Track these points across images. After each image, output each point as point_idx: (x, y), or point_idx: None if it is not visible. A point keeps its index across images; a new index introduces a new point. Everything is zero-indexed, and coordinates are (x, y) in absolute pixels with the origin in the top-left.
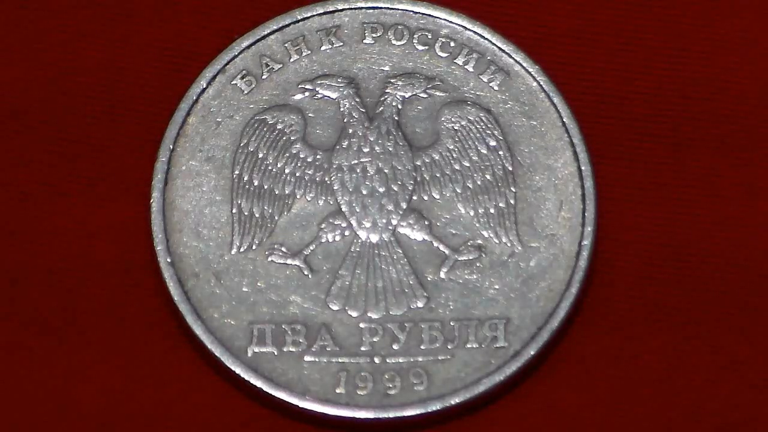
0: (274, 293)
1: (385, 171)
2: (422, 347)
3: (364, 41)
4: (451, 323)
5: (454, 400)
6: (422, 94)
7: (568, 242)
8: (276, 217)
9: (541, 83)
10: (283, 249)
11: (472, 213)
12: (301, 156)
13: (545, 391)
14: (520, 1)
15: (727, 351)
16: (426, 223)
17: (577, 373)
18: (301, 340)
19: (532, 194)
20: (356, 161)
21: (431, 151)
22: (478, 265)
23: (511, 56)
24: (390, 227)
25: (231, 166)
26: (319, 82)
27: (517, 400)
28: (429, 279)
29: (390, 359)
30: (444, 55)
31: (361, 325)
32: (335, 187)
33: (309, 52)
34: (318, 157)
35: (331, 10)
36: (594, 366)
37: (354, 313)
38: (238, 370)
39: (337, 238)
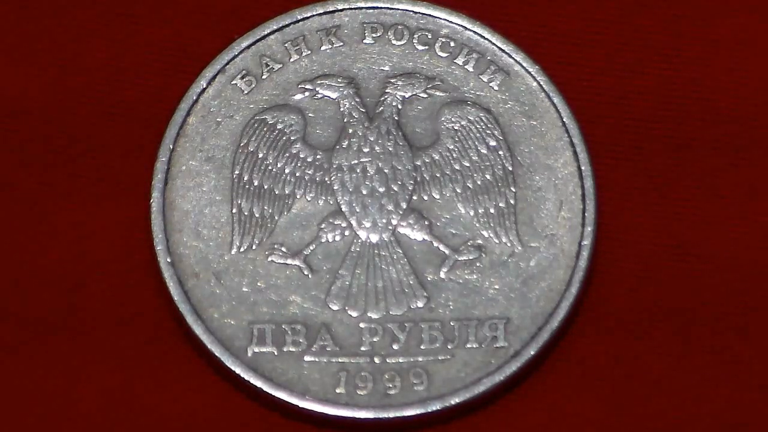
0: (274, 293)
1: (385, 171)
2: (422, 347)
3: (364, 41)
4: (451, 323)
5: (454, 400)
6: (422, 94)
7: (568, 242)
8: (276, 217)
9: (541, 83)
10: (283, 249)
11: (472, 213)
12: (301, 156)
13: (545, 391)
14: (520, 1)
15: (727, 351)
16: (426, 223)
17: (577, 373)
18: (301, 340)
19: (532, 194)
20: (356, 161)
21: (431, 151)
22: (478, 265)
23: (511, 56)
24: (390, 227)
25: (231, 166)
26: (319, 82)
27: (517, 400)
28: (429, 279)
29: (390, 359)
30: (444, 55)
31: (361, 325)
32: (335, 187)
33: (309, 52)
34: (318, 157)
35: (331, 10)
36: (594, 366)
37: (354, 313)
38: (238, 370)
39: (337, 238)
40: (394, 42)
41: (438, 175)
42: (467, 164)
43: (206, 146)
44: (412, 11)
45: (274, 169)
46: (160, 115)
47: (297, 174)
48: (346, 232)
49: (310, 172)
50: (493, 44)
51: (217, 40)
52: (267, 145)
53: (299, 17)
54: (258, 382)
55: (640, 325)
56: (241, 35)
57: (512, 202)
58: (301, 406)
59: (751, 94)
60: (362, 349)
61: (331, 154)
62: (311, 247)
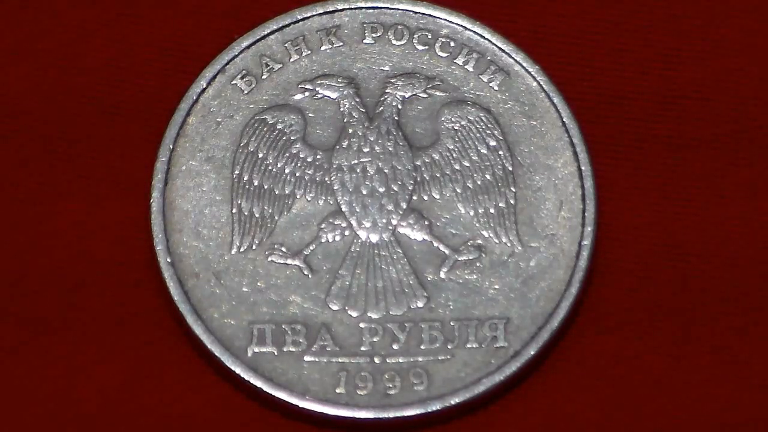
0: (274, 293)
1: (385, 171)
2: (422, 347)
3: (364, 41)
4: (451, 323)
5: (454, 400)
6: (422, 94)
7: (568, 242)
8: (276, 217)
9: (541, 83)
10: (283, 249)
11: (472, 213)
12: (301, 156)
13: (545, 391)
14: (520, 1)
15: (727, 351)
16: (426, 223)
17: (577, 373)
18: (301, 340)
19: (532, 194)
20: (356, 161)
21: (431, 151)
22: (478, 265)
23: (511, 56)
24: (390, 227)
25: (231, 166)
26: (319, 82)
27: (517, 400)
28: (429, 279)
29: (390, 359)
30: (444, 55)
31: (361, 325)
32: (335, 187)
33: (309, 52)
34: (318, 157)
35: (331, 10)
36: (594, 366)
37: (354, 313)
38: (238, 370)
39: (337, 238)
40: (394, 42)
41: (438, 175)
42: (467, 164)
43: (206, 146)
44: (412, 11)
45: (274, 169)
46: (160, 115)
47: (297, 174)
48: (346, 232)
49: (310, 172)
50: (493, 44)
51: (217, 40)
52: (267, 145)
53: (299, 17)
54: (258, 382)
55: (640, 325)
56: (241, 35)
57: (512, 202)
58: (301, 406)
59: (751, 94)
60: (362, 349)
61: (331, 154)
62: (311, 247)
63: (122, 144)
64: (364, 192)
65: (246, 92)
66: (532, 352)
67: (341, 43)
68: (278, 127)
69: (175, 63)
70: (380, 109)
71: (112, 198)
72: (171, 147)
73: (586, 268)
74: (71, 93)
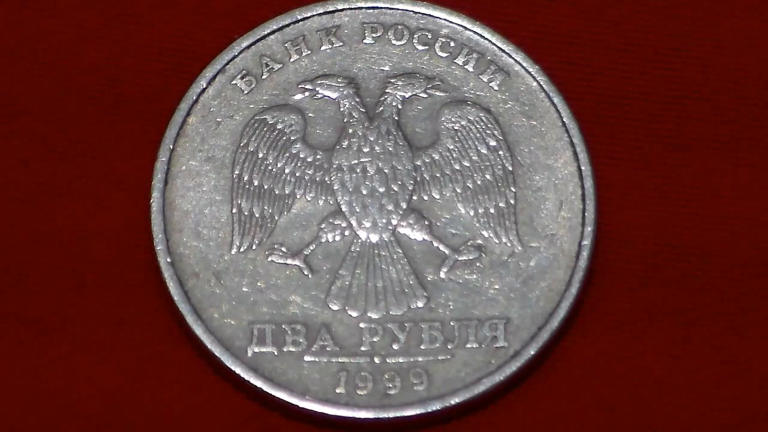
0: (274, 293)
1: (385, 171)
2: (422, 347)
3: (364, 41)
4: (451, 323)
5: (454, 400)
6: (422, 94)
7: (568, 242)
8: (276, 217)
9: (541, 83)
10: (283, 249)
11: (472, 213)
12: (301, 156)
13: (545, 391)
14: (520, 2)
15: (727, 351)
16: (426, 223)
17: (577, 373)
18: (301, 340)
19: (532, 194)
20: (356, 161)
21: (431, 151)
22: (478, 265)
23: (511, 56)
24: (390, 227)
25: (231, 166)
26: (319, 82)
27: (517, 400)
28: (429, 279)
29: (390, 359)
30: (444, 55)
31: (361, 325)
32: (335, 187)
33: (309, 52)
34: (318, 157)
35: (331, 10)
36: (594, 366)
37: (354, 313)
38: (238, 370)
39: (337, 238)
40: (394, 42)
41: (438, 175)
42: (467, 164)
43: (206, 146)
44: (412, 11)
45: (274, 169)
46: (160, 115)
47: (297, 174)
48: (346, 232)
49: (310, 172)
50: (493, 44)
51: (217, 40)
52: (267, 145)
53: (299, 17)
54: (258, 382)
55: (640, 325)
56: (241, 35)
57: (512, 202)
58: (301, 406)
59: (751, 94)
60: (362, 349)
61: (331, 154)
62: (311, 247)
63: (122, 144)
64: (364, 192)
65: (246, 92)
66: (532, 352)
67: (341, 43)
68: (278, 127)
69: (175, 63)
70: (380, 109)
71: (112, 198)
72: (171, 147)
73: (586, 268)
74: (71, 93)
